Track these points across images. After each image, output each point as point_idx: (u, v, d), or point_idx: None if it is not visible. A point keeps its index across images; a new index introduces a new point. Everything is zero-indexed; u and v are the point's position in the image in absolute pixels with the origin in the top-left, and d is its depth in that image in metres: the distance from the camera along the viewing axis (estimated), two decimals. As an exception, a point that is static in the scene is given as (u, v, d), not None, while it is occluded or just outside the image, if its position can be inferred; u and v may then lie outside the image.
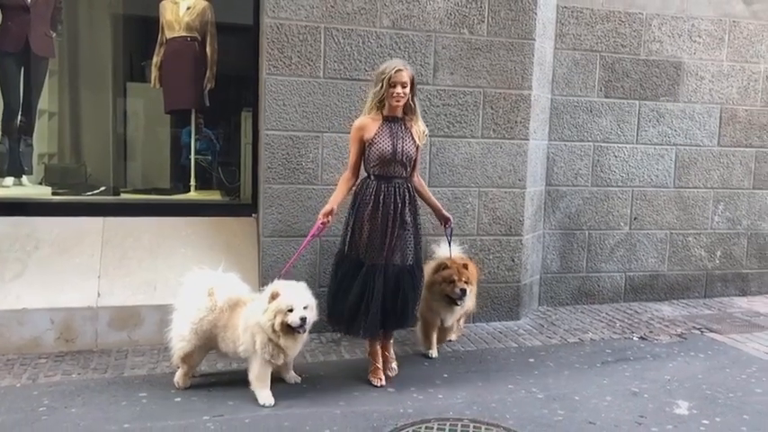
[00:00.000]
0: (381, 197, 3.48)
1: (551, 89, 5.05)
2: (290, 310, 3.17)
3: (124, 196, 5.11)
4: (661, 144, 5.37)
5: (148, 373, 3.70)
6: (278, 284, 3.29)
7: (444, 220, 3.82)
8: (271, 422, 3.08)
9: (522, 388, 3.58)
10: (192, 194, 5.22)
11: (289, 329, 3.20)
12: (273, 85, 4.24)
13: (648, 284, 5.47)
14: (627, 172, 5.31)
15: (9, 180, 4.81)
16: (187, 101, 5.19)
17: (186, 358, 3.43)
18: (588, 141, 5.20)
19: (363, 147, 3.51)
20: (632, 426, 3.15)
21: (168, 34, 5.08)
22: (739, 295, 5.67)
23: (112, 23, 6.02)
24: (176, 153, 6.11)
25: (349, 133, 4.34)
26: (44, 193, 4.93)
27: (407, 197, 3.55)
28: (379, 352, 3.65)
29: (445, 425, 3.09)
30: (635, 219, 5.37)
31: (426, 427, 3.07)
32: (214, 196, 5.33)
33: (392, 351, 3.77)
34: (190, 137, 5.66)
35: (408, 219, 3.53)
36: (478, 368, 3.87)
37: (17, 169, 4.89)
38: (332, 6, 4.27)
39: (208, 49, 5.10)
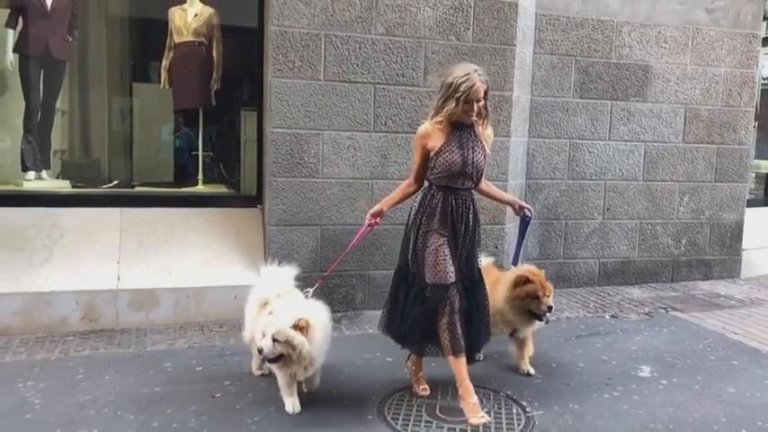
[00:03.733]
0: (449, 210, 3.19)
1: (531, 90, 5.49)
2: (264, 335, 3.01)
3: (138, 189, 5.47)
4: (631, 141, 5.83)
5: (168, 348, 4.07)
6: (282, 302, 3.15)
7: (521, 209, 3.51)
8: (285, 385, 3.48)
9: (504, 357, 4.00)
10: (201, 187, 5.59)
11: None
12: (278, 86, 4.62)
13: (620, 270, 5.95)
14: (600, 166, 5.78)
15: (31, 174, 5.16)
16: (195, 101, 5.56)
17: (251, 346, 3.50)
18: (564, 138, 5.66)
19: (427, 155, 3.21)
20: (601, 386, 3.61)
21: (177, 39, 5.45)
22: (702, 279, 6.15)
23: (119, 27, 6.38)
24: (179, 149, 6.49)
25: (347, 131, 4.80)
26: (64, 186, 5.28)
27: (472, 209, 3.26)
28: (420, 366, 3.49)
29: (437, 386, 3.49)
30: (607, 209, 5.83)
31: (422, 389, 3.50)
32: (220, 189, 5.71)
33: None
34: (169, 135, 6.11)
35: (476, 232, 3.28)
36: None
37: (38, 164, 5.24)
38: (331, 15, 4.66)
39: (214, 53, 5.47)
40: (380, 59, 4.78)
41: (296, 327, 2.97)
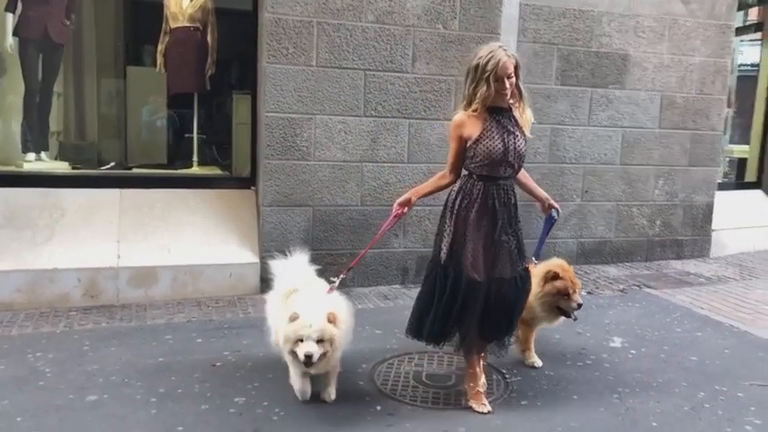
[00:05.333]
0: (491, 202, 3.03)
1: (514, 77, 5.70)
2: (300, 341, 2.86)
3: (136, 170, 5.63)
4: (609, 126, 6.07)
5: (168, 322, 4.29)
6: (302, 304, 2.94)
7: (550, 208, 3.41)
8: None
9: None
10: (196, 169, 5.77)
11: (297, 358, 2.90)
12: (272, 72, 4.79)
13: (597, 249, 6.23)
14: (579, 151, 6.02)
15: (31, 155, 5.31)
16: (191, 85, 5.70)
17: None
18: (546, 124, 5.88)
19: (464, 146, 3.04)
20: (575, 355, 3.89)
21: (172, 24, 5.58)
22: (675, 258, 6.45)
23: (113, 10, 6.48)
24: (173, 132, 6.65)
25: (338, 116, 5.00)
26: (63, 167, 5.43)
27: (513, 200, 3.12)
28: (480, 368, 3.23)
29: (424, 356, 3.77)
30: (586, 192, 6.09)
31: (409, 358, 3.75)
32: (214, 171, 5.88)
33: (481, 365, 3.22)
34: (149, 115, 6.26)
35: (516, 224, 3.13)
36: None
37: (37, 146, 5.39)
38: (323, 3, 4.82)
39: (209, 38, 5.62)
40: (371, 46, 4.97)
41: (328, 321, 2.90)
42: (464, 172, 3.14)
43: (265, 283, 4.90)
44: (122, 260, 4.66)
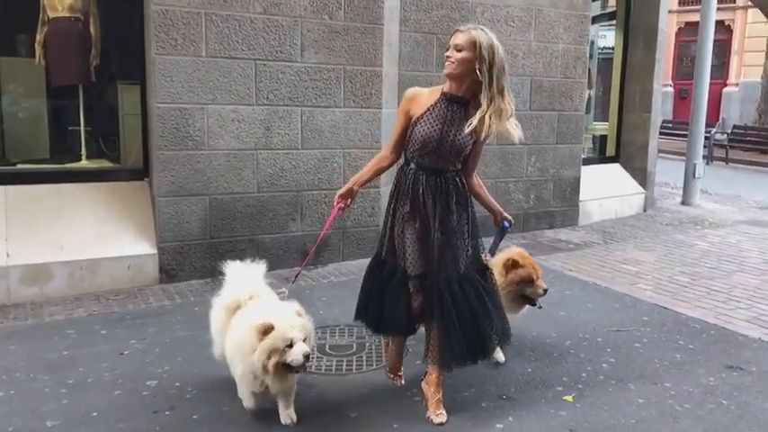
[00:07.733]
0: (420, 191, 2.84)
1: (398, 65, 6.04)
2: (290, 346, 2.59)
3: (21, 166, 5.42)
4: (486, 109, 6.59)
5: (68, 317, 4.27)
6: (266, 312, 2.69)
7: (502, 220, 3.28)
8: (188, 338, 3.85)
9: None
10: (84, 162, 5.64)
11: (286, 369, 2.63)
12: (162, 63, 4.81)
13: (481, 223, 6.73)
14: (461, 133, 6.49)
15: None
16: (73, 77, 5.54)
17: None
18: (430, 108, 6.29)
19: (408, 123, 2.85)
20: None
21: (51, 14, 5.37)
22: (548, 228, 7.13)
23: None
24: (54, 125, 6.39)
25: (230, 105, 5.10)
26: (-65, 165, 5.14)
27: (455, 192, 2.89)
28: (401, 351, 3.36)
29: (326, 329, 4.06)
30: (468, 171, 6.59)
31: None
32: (104, 164, 5.78)
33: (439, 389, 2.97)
34: (10, 106, 6.00)
35: (463, 219, 2.94)
36: (348, 292, 4.71)
37: None
38: (210, -6, 4.91)
39: (91, 28, 5.47)
40: (260, 37, 5.11)
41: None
42: (402, 159, 2.99)
43: (164, 273, 5.00)
44: (12, 258, 4.55)
